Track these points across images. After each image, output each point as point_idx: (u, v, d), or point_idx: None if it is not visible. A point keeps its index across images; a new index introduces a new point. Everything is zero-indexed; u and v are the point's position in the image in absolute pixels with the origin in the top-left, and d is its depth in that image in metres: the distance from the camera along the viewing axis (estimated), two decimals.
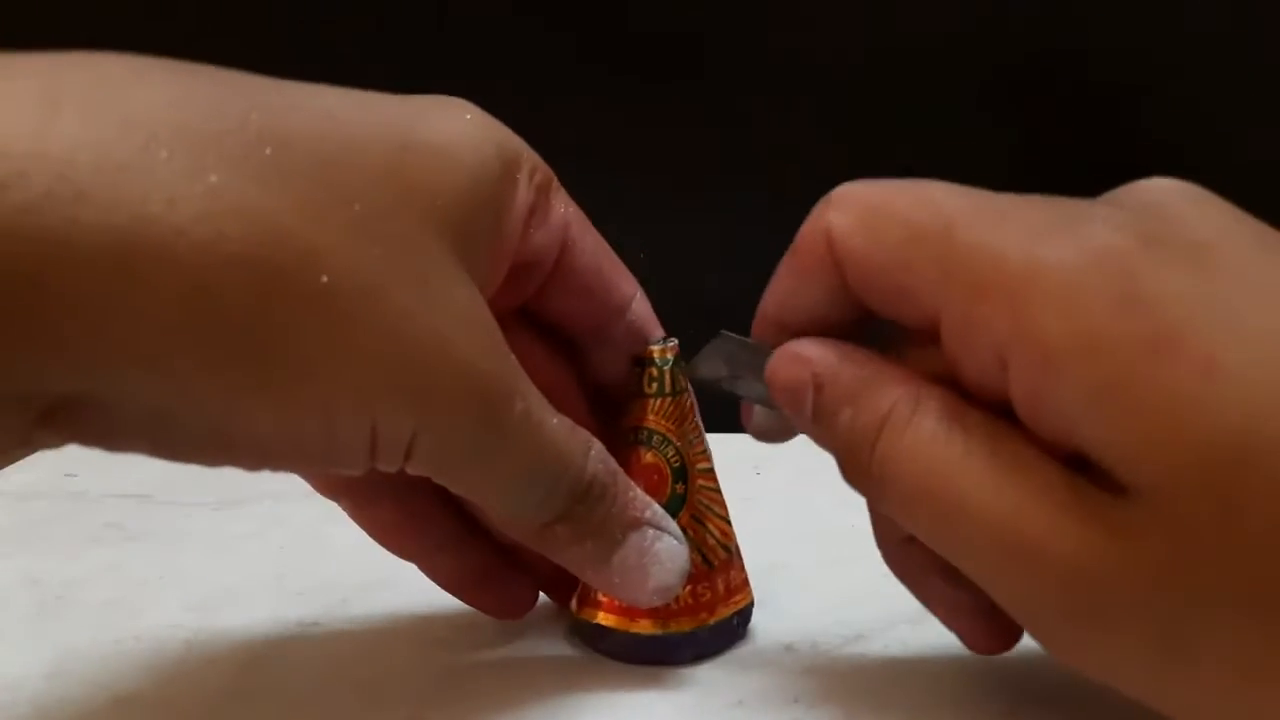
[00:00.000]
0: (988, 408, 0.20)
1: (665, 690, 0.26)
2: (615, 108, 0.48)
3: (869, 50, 0.47)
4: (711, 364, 0.25)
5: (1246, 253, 0.18)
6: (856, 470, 0.22)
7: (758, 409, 0.24)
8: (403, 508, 0.26)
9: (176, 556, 0.35)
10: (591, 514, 0.24)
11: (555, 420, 0.23)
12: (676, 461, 0.26)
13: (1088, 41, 0.46)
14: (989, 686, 0.25)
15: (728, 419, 0.26)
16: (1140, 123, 0.46)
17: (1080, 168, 0.46)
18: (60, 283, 0.17)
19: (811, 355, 0.22)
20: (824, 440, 0.23)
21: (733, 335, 0.24)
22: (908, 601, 0.25)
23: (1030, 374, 0.19)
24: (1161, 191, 0.20)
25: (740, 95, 0.48)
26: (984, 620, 0.24)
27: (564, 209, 0.25)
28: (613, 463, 0.24)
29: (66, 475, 0.42)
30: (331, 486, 0.26)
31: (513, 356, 0.22)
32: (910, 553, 0.24)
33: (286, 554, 0.34)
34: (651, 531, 0.25)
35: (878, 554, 0.25)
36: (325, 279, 0.19)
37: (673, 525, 0.25)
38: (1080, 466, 0.19)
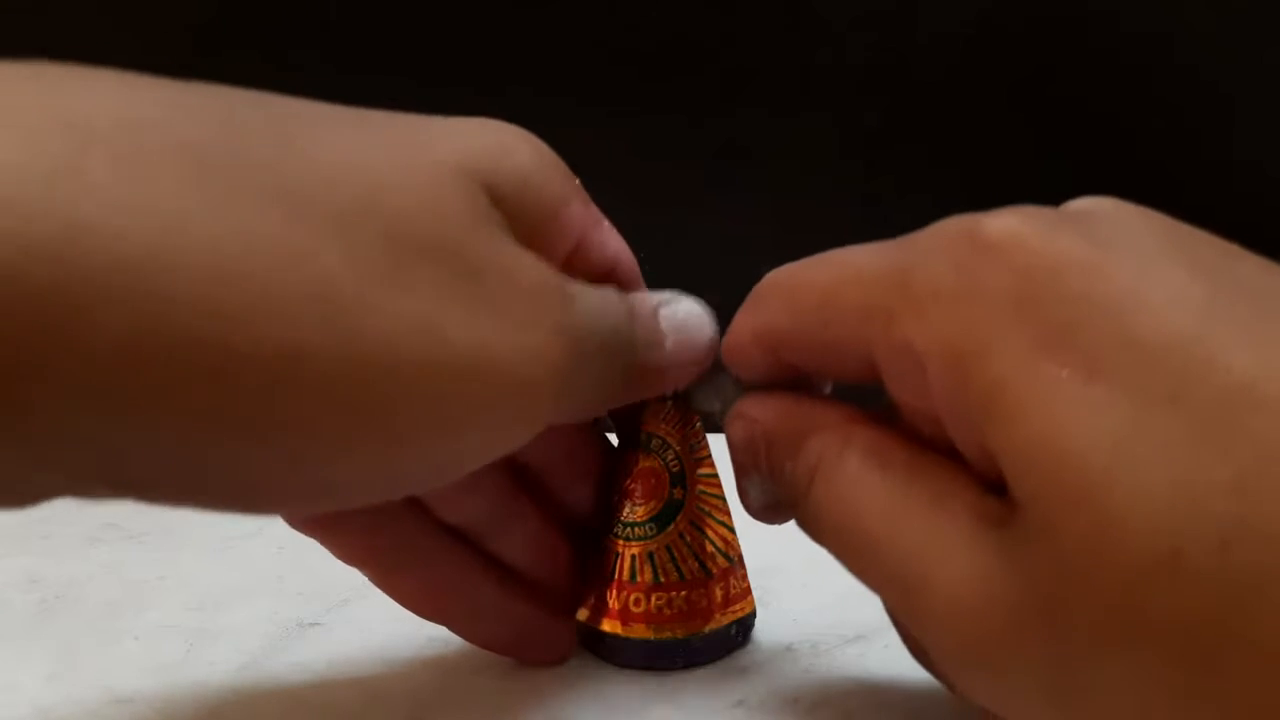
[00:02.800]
0: (926, 441, 0.20)
1: (664, 690, 0.26)
2: (614, 107, 0.48)
3: (871, 50, 0.47)
4: (705, 396, 0.25)
5: (1150, 260, 0.17)
6: (800, 518, 0.22)
7: (752, 492, 0.24)
8: (433, 576, 0.25)
9: (176, 556, 0.35)
10: (637, 338, 0.23)
11: (595, 299, 0.22)
12: (676, 466, 0.26)
13: (1093, 42, 0.46)
14: None
15: None
16: (1144, 126, 0.46)
17: (1086, 177, 0.46)
18: None
19: (755, 414, 0.23)
20: (781, 495, 0.23)
21: (728, 371, 0.24)
22: None
23: (943, 381, 0.18)
24: (1088, 200, 0.20)
25: (742, 94, 0.48)
26: None
27: (606, 228, 0.24)
28: (623, 294, 0.24)
29: None
30: (354, 555, 0.25)
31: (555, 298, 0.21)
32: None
33: (286, 554, 0.34)
34: (666, 309, 0.24)
35: None
36: (324, 274, 0.17)
37: (663, 293, 0.25)
38: (1002, 489, 0.18)
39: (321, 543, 0.24)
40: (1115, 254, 0.17)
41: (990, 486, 0.18)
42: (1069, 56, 0.46)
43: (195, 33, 0.49)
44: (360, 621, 0.30)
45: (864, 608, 0.29)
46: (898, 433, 0.20)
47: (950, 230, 0.19)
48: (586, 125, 0.47)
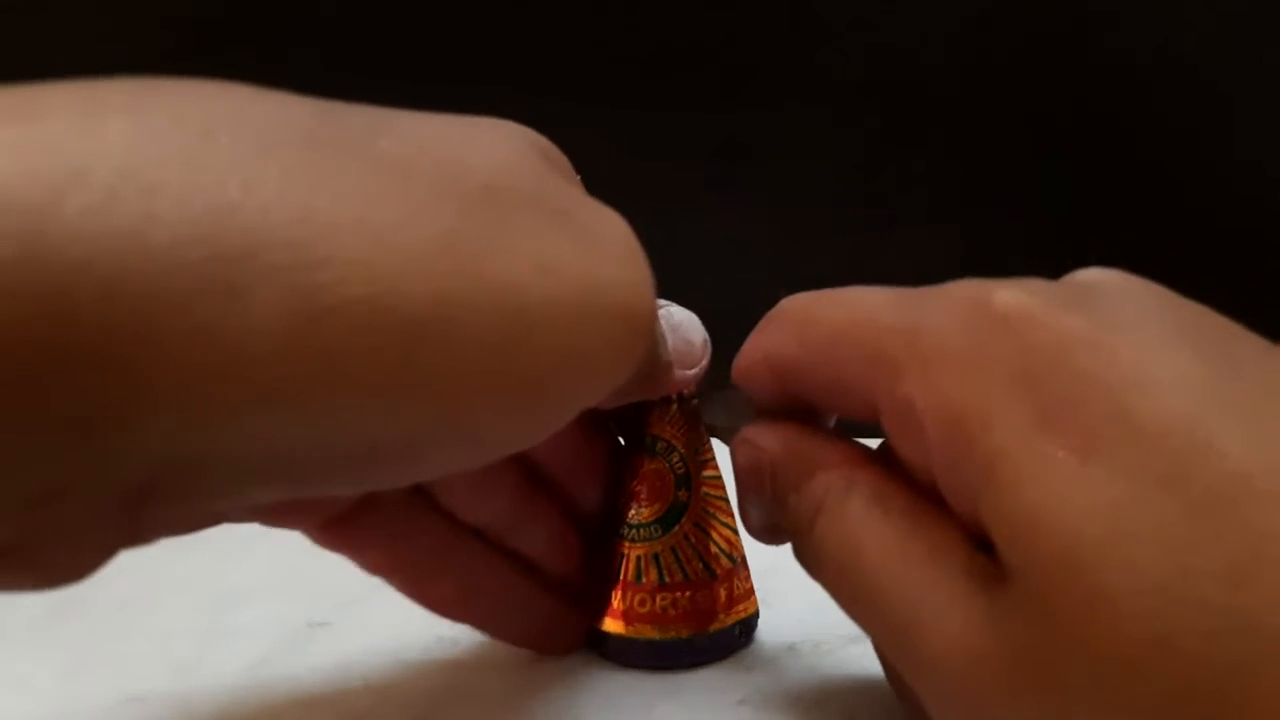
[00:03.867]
0: (922, 490, 0.20)
1: (668, 690, 0.26)
2: (614, 106, 0.48)
3: (871, 50, 0.47)
4: (714, 411, 0.26)
5: (1154, 340, 0.18)
6: (800, 553, 0.22)
7: (754, 513, 0.24)
8: (466, 582, 0.26)
9: (187, 556, 0.35)
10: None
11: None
12: (680, 468, 0.27)
13: (1093, 42, 0.46)
14: None
15: None
16: (1144, 126, 0.47)
17: (1086, 177, 0.46)
18: (141, 289, 0.14)
19: (762, 443, 0.23)
20: (783, 523, 0.23)
21: (738, 388, 0.24)
22: None
23: (941, 444, 0.19)
24: (1095, 272, 0.20)
25: (742, 93, 0.48)
26: None
27: None
28: None
29: None
30: (381, 566, 0.25)
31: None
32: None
33: (296, 554, 0.34)
34: (662, 311, 0.25)
35: None
36: (447, 226, 0.17)
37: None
38: (991, 548, 0.18)
39: (347, 556, 0.24)
40: (1120, 333, 0.18)
41: (980, 545, 0.18)
42: (1069, 57, 0.46)
43: (194, 33, 0.49)
44: (370, 621, 0.30)
45: None
46: (898, 478, 0.21)
47: (962, 294, 0.20)
48: (586, 125, 0.47)
